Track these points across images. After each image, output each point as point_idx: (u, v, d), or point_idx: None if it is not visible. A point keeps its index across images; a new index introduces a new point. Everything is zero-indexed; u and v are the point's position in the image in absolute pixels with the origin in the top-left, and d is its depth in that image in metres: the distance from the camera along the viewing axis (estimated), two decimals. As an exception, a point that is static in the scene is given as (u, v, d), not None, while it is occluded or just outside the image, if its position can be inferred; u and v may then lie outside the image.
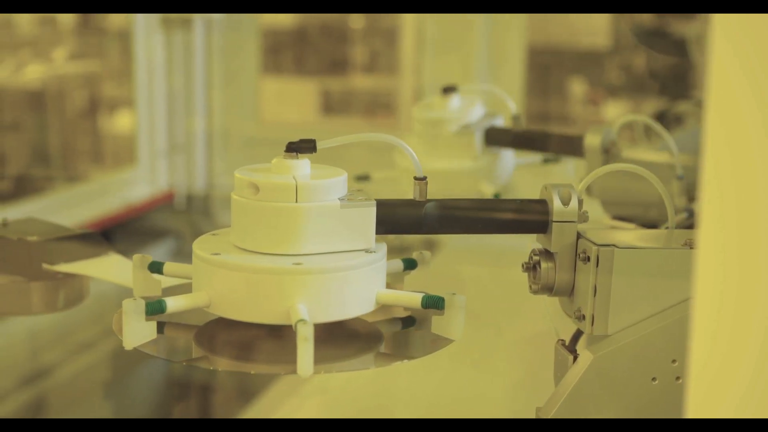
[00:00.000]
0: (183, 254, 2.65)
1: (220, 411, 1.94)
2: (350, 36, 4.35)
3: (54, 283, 0.92)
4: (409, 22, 3.45)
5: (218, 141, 3.18)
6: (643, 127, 1.33)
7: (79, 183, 3.14)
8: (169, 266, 0.78)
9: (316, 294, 0.68)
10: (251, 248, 0.71)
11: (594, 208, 1.04)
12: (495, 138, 1.24)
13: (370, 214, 0.72)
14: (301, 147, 0.72)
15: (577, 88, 3.90)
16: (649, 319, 0.69)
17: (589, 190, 0.77)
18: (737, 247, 0.40)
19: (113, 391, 2.02)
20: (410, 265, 0.81)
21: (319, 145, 0.71)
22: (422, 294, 0.72)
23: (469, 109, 1.25)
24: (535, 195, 0.75)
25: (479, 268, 1.36)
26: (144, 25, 2.89)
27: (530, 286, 0.74)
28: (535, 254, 0.73)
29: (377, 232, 0.72)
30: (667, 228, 0.76)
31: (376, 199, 0.72)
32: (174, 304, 0.71)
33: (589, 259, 0.70)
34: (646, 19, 3.48)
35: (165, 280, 0.80)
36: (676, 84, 3.25)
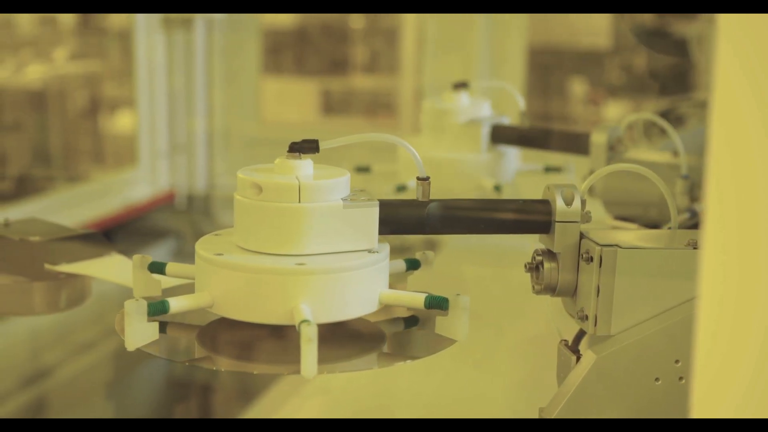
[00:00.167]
0: (184, 254, 2.65)
1: (222, 411, 1.94)
2: (351, 36, 4.35)
3: (56, 284, 0.92)
4: (409, 22, 3.45)
5: (219, 141, 3.17)
6: (642, 128, 1.33)
7: (79, 183, 3.14)
8: (171, 266, 0.78)
9: (320, 294, 0.68)
10: (254, 248, 0.71)
11: (596, 209, 1.04)
12: (501, 135, 1.25)
13: (373, 214, 0.72)
14: (304, 147, 0.72)
15: (578, 88, 3.90)
16: (652, 319, 0.69)
17: (591, 190, 0.77)
18: (742, 247, 0.40)
19: (115, 391, 2.02)
20: (413, 265, 0.81)
21: (322, 146, 0.71)
22: (425, 294, 0.72)
23: (477, 105, 1.27)
24: (536, 197, 0.75)
25: (481, 269, 1.36)
26: (145, 25, 2.89)
27: (533, 287, 0.74)
28: (537, 254, 0.73)
29: (380, 233, 0.72)
30: (669, 228, 0.75)
31: (378, 200, 0.72)
32: (177, 304, 0.70)
33: (592, 259, 0.70)
34: (646, 19, 3.48)
35: (165, 281, 0.80)
36: (676, 84, 3.25)
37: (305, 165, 0.71)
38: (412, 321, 0.78)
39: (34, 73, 3.28)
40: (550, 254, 0.73)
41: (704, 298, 0.41)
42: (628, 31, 3.76)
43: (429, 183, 0.74)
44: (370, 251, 0.71)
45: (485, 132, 1.24)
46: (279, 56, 4.37)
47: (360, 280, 0.70)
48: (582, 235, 0.72)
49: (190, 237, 2.86)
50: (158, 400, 2.06)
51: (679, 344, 0.69)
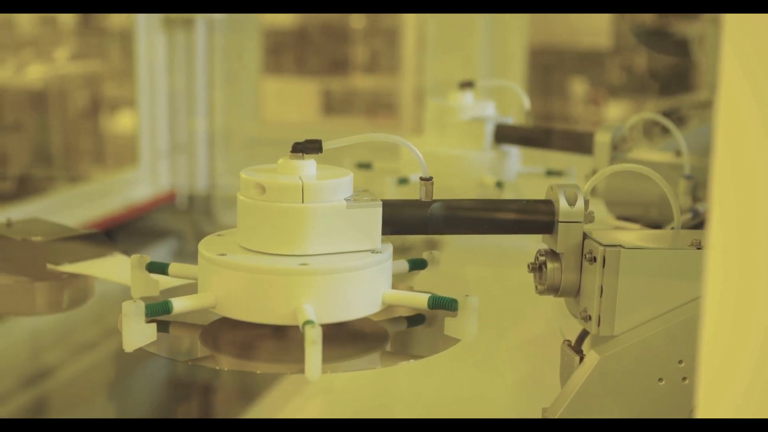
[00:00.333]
0: (185, 254, 2.65)
1: (224, 411, 1.94)
2: (351, 36, 4.35)
3: (58, 284, 0.92)
4: (410, 22, 3.45)
5: (220, 141, 3.18)
6: (642, 128, 1.33)
7: (80, 183, 3.14)
8: (174, 267, 0.78)
9: (323, 294, 0.68)
10: (257, 249, 0.71)
11: (598, 208, 1.04)
12: (505, 134, 1.25)
13: (376, 214, 0.72)
14: (307, 147, 0.71)
15: (579, 88, 3.90)
16: (656, 319, 0.69)
17: (593, 190, 0.77)
18: (746, 247, 0.40)
19: (117, 391, 2.02)
20: (418, 265, 0.81)
21: (326, 146, 0.71)
22: (429, 294, 0.72)
23: (482, 105, 1.27)
24: (538, 199, 0.75)
25: (481, 268, 1.36)
26: (146, 25, 2.89)
27: (536, 287, 0.74)
28: (540, 255, 0.73)
29: (383, 233, 0.72)
30: (672, 228, 0.75)
31: (382, 200, 0.72)
32: (180, 304, 0.70)
33: (595, 259, 0.69)
34: (647, 19, 3.48)
35: (163, 281, 0.80)
36: (677, 84, 3.25)
37: (308, 165, 0.71)
38: (417, 320, 0.78)
39: (35, 73, 3.28)
40: (553, 254, 0.73)
41: (709, 298, 0.41)
42: (629, 31, 3.76)
43: (432, 183, 0.74)
44: (373, 251, 0.71)
45: (489, 129, 1.24)
46: (279, 56, 4.37)
47: (363, 281, 0.70)
48: (585, 236, 0.72)
49: (190, 237, 2.86)
50: (160, 400, 2.06)
51: (683, 344, 0.69)
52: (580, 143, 1.16)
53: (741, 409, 0.41)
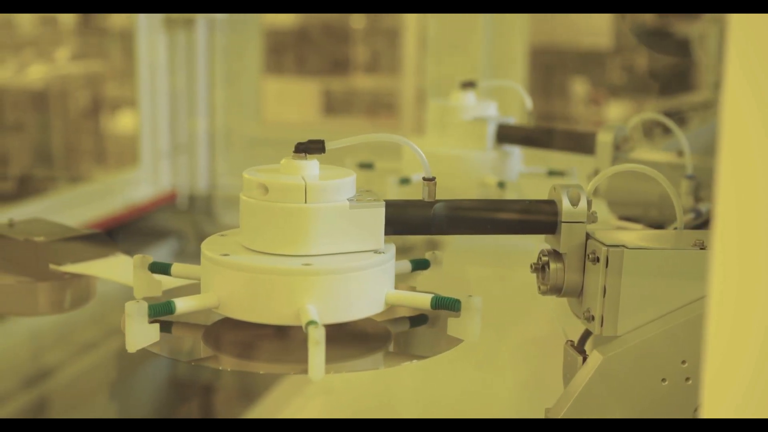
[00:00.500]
0: (186, 254, 2.65)
1: (225, 411, 1.94)
2: (352, 36, 4.35)
3: (61, 284, 0.92)
4: (410, 22, 3.45)
5: (220, 141, 3.18)
6: (642, 128, 1.33)
7: (81, 183, 3.14)
8: (176, 267, 0.78)
9: (326, 295, 0.68)
10: (260, 249, 0.71)
11: (600, 209, 1.04)
12: (507, 134, 1.25)
13: (379, 214, 0.72)
14: (310, 147, 0.71)
15: (579, 88, 3.90)
16: (659, 319, 0.69)
17: (595, 190, 0.77)
18: (751, 247, 0.40)
19: (118, 391, 2.02)
20: (420, 265, 0.81)
21: (329, 146, 0.71)
22: (432, 295, 0.72)
23: (484, 105, 1.27)
24: (540, 199, 0.75)
25: (482, 269, 1.36)
26: (147, 25, 2.89)
27: (539, 287, 0.74)
28: (543, 255, 0.73)
29: (386, 233, 0.72)
30: (675, 228, 0.75)
31: (385, 200, 0.72)
32: (183, 305, 0.70)
33: (598, 259, 0.69)
34: (648, 19, 3.48)
35: (166, 281, 0.80)
36: (677, 84, 3.25)
37: (311, 165, 0.71)
38: (419, 320, 0.78)
39: (36, 74, 3.28)
40: (556, 255, 0.73)
41: (713, 298, 0.41)
42: (629, 31, 3.76)
43: (435, 183, 0.74)
44: (376, 252, 0.71)
45: (491, 129, 1.24)
46: (280, 56, 4.37)
47: (366, 281, 0.70)
48: (588, 236, 0.71)
49: (191, 237, 2.86)
50: (161, 400, 2.06)
51: (686, 345, 0.69)
52: (581, 143, 1.16)
53: (745, 409, 0.41)
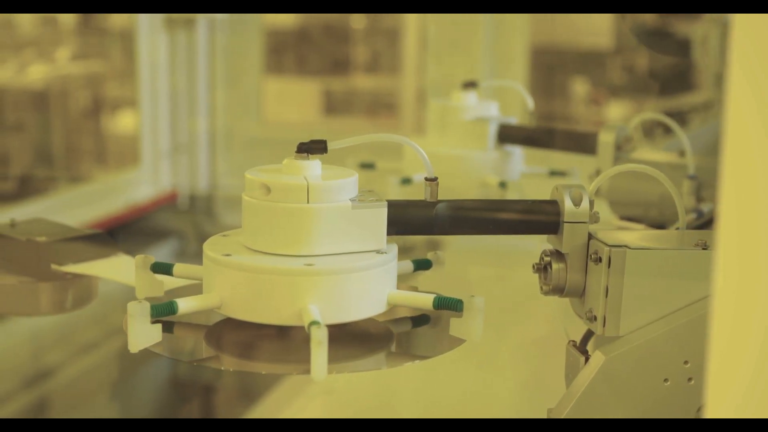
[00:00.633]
0: (186, 255, 2.65)
1: (226, 411, 1.94)
2: (352, 36, 4.35)
3: (62, 284, 0.92)
4: (411, 22, 3.45)
5: (221, 141, 3.18)
6: (642, 128, 1.33)
7: (82, 183, 3.14)
8: (179, 267, 0.78)
9: (328, 295, 0.68)
10: (262, 249, 0.71)
11: (601, 209, 1.04)
12: (508, 134, 1.25)
13: (382, 214, 0.72)
14: (312, 148, 0.71)
15: (580, 88, 3.90)
16: (661, 320, 0.69)
17: (597, 190, 0.77)
18: (756, 247, 0.40)
19: (120, 391, 2.02)
20: (422, 265, 0.81)
21: (332, 146, 0.71)
22: (434, 295, 0.72)
23: (485, 105, 1.27)
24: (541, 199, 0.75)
25: (483, 269, 1.36)
26: (147, 25, 2.89)
27: (541, 287, 0.74)
28: (546, 255, 0.73)
29: (388, 233, 0.72)
30: (677, 229, 0.75)
31: (387, 200, 0.72)
32: (185, 305, 0.70)
33: (600, 259, 0.69)
34: (648, 19, 3.48)
35: (168, 281, 0.80)
36: (678, 84, 3.24)
37: (313, 165, 0.71)
38: (422, 320, 0.78)
39: (37, 74, 3.28)
40: (558, 255, 0.73)
41: (717, 298, 0.41)
42: (629, 31, 3.76)
43: (437, 183, 0.74)
44: (378, 252, 0.71)
45: (492, 129, 1.24)
46: (281, 56, 4.37)
47: (369, 281, 0.70)
48: (590, 236, 0.71)
49: (192, 237, 2.86)
50: (163, 400, 2.06)
51: (689, 345, 0.69)
52: (583, 143, 1.16)
53: (749, 409, 0.41)
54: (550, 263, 0.73)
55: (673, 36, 3.36)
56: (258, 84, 3.34)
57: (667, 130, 1.15)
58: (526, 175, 1.29)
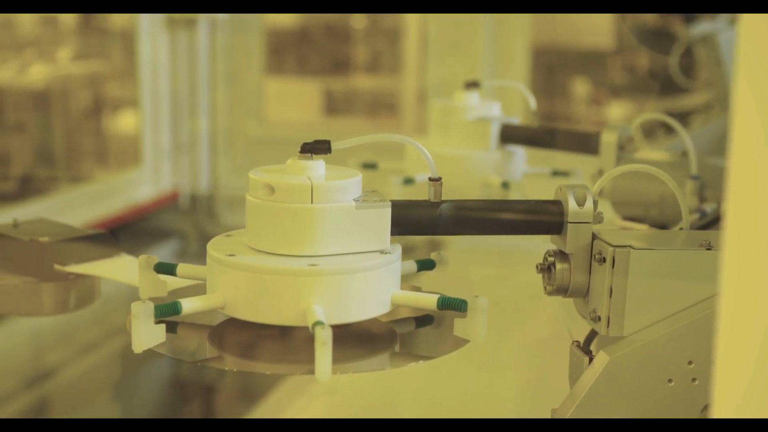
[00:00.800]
0: (188, 255, 2.65)
1: (228, 411, 1.94)
2: (353, 36, 4.35)
3: (65, 284, 0.92)
4: (411, 22, 3.45)
5: (222, 141, 3.18)
6: (641, 128, 1.33)
7: (83, 183, 3.14)
8: (182, 268, 0.78)
9: (332, 295, 0.68)
10: (266, 249, 0.71)
11: (605, 209, 1.04)
12: (510, 134, 1.25)
13: (385, 215, 0.71)
14: (316, 148, 0.71)
15: (581, 88, 3.90)
16: (665, 320, 0.69)
17: (600, 190, 0.77)
18: (763, 246, 0.40)
19: (121, 391, 2.02)
20: (425, 265, 0.81)
21: (335, 146, 0.71)
22: (438, 295, 0.72)
23: (487, 105, 1.27)
24: (544, 198, 0.75)
25: (484, 269, 1.36)
26: (148, 25, 2.89)
27: (545, 288, 0.74)
28: (549, 255, 0.73)
29: (391, 233, 0.72)
30: (681, 229, 0.75)
31: (390, 200, 0.72)
32: (189, 305, 0.70)
33: (604, 260, 0.69)
34: (649, 19, 3.48)
35: (171, 281, 0.80)
36: (678, 85, 3.24)
37: (317, 165, 0.71)
38: (425, 321, 0.78)
39: (37, 74, 3.28)
40: (562, 255, 0.73)
41: (724, 298, 0.41)
42: (629, 31, 3.76)
43: (441, 184, 0.74)
44: (382, 252, 0.71)
45: (495, 129, 1.24)
46: (281, 56, 4.37)
47: (372, 281, 0.70)
48: (594, 236, 0.71)
49: (193, 237, 2.86)
50: (165, 400, 2.06)
51: (693, 345, 0.69)
52: (585, 143, 1.16)
53: (756, 409, 0.41)
54: (553, 263, 0.72)
55: (673, 36, 3.36)
56: (259, 84, 3.34)
57: (668, 130, 1.15)
58: (528, 175, 1.29)
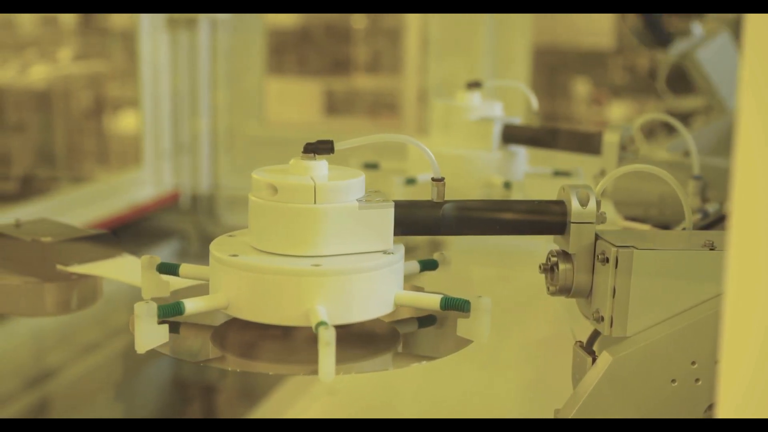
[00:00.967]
0: (188, 255, 2.65)
1: (229, 411, 1.94)
2: (353, 36, 4.35)
3: (68, 284, 0.92)
4: (412, 22, 3.45)
5: (223, 141, 3.18)
6: (642, 129, 1.33)
7: (84, 184, 3.14)
8: (185, 268, 0.78)
9: (336, 295, 0.68)
10: (269, 249, 0.71)
11: (607, 209, 1.04)
12: (512, 134, 1.24)
13: (388, 215, 0.71)
14: (319, 148, 0.71)
15: (581, 88, 3.90)
16: (669, 320, 0.69)
17: (602, 190, 0.77)
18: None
19: (123, 391, 2.02)
20: (428, 266, 0.81)
21: (338, 146, 0.71)
22: (441, 296, 0.72)
23: (489, 105, 1.27)
24: (546, 199, 0.75)
25: (487, 269, 1.36)
26: (149, 25, 2.89)
27: (548, 288, 0.74)
28: (552, 255, 0.73)
29: (394, 233, 0.72)
30: (684, 229, 0.75)
31: (394, 200, 0.72)
32: (192, 306, 0.70)
33: (607, 260, 0.69)
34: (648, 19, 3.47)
35: (174, 282, 0.80)
36: (679, 85, 3.24)
37: (320, 166, 0.71)
38: (427, 321, 0.78)
39: (38, 74, 3.28)
40: (565, 255, 0.72)
41: (730, 298, 0.41)
42: (629, 31, 3.75)
43: (444, 184, 0.74)
44: (385, 252, 0.71)
45: (497, 130, 1.24)
46: (282, 56, 4.37)
47: (376, 282, 0.70)
48: (597, 236, 0.71)
49: (194, 237, 2.86)
50: (167, 400, 2.06)
51: (696, 346, 0.69)
52: (587, 144, 1.16)
53: (761, 409, 0.41)
54: (556, 264, 0.72)
55: (673, 36, 3.36)
56: (259, 84, 3.34)
57: (670, 130, 1.15)
58: (530, 175, 1.29)
